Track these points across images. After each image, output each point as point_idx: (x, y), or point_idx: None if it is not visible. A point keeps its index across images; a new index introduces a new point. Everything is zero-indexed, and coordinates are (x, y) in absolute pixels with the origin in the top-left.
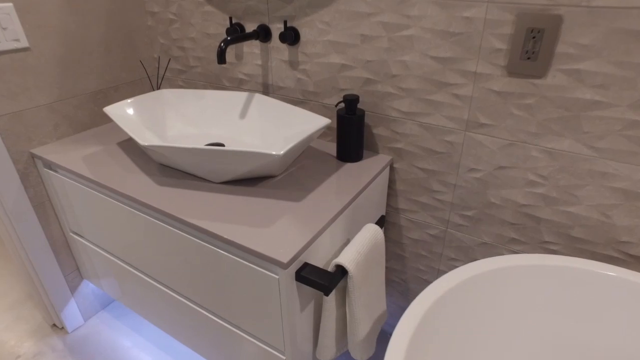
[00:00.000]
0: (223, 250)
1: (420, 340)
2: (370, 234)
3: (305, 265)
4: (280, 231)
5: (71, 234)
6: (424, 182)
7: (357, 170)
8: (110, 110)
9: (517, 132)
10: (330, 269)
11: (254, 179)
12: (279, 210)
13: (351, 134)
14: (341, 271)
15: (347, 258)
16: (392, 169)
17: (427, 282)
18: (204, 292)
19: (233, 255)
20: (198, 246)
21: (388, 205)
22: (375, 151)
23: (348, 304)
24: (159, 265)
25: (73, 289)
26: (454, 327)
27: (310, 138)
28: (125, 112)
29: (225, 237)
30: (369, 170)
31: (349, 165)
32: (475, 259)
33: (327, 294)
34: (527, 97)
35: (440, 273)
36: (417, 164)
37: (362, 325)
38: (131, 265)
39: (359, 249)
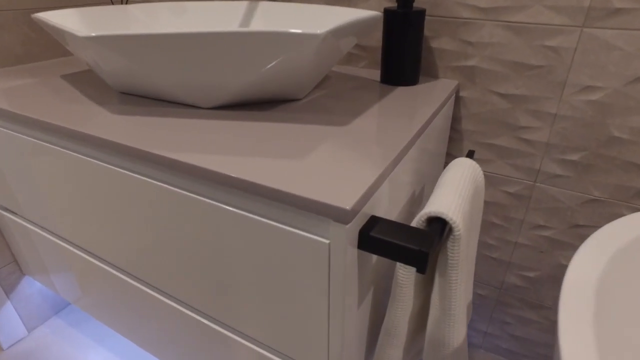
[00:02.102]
0: (231, 207)
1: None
2: (470, 171)
3: (374, 220)
4: (327, 166)
5: (0, 210)
6: (506, 115)
7: (415, 95)
8: (44, 16)
9: None
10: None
11: (261, 105)
12: (317, 137)
13: (405, 40)
14: (440, 228)
15: (448, 206)
16: (457, 100)
17: (496, 262)
18: (197, 285)
19: (247, 212)
20: (190, 204)
21: (448, 154)
22: (432, 75)
23: (441, 287)
24: (131, 248)
25: (9, 289)
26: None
27: (357, 26)
28: (67, 22)
29: (235, 176)
30: (432, 95)
31: (401, 89)
32: (577, 225)
33: (422, 270)
34: None
35: (517, 248)
36: (496, 88)
37: (460, 324)
38: (92, 254)
39: (461, 191)
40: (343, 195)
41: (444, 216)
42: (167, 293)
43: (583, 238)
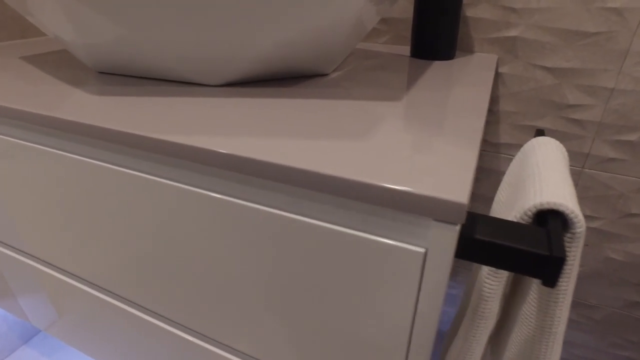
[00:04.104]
0: (281, 210)
1: None
2: (562, 154)
3: (474, 219)
4: (405, 149)
5: None
6: (552, 92)
7: (459, 69)
8: None
9: None
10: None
11: (281, 81)
12: (372, 115)
13: (442, 7)
14: (560, 225)
15: (563, 195)
16: (495, 77)
17: None
18: (219, 308)
19: (303, 216)
20: (216, 206)
21: (484, 141)
22: (466, 49)
23: (543, 298)
24: (125, 266)
25: None
26: None
27: None
28: None
29: (291, 165)
30: (477, 70)
31: (438, 64)
32: (629, 214)
33: (552, 282)
34: None
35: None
36: (542, 61)
37: (559, 343)
38: (70, 274)
39: (566, 177)
40: (446, 186)
41: (562, 208)
42: (170, 319)
43: (636, 228)
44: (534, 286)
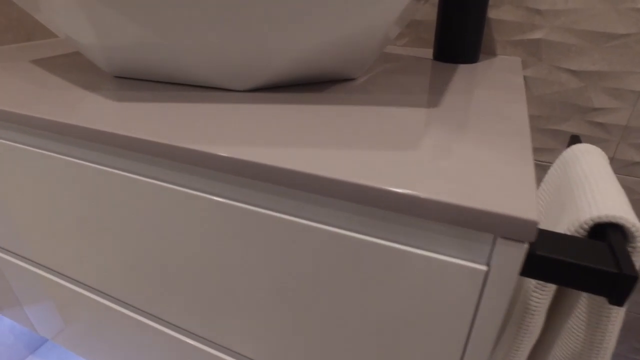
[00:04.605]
0: (328, 226)
1: None
2: (606, 161)
3: (541, 234)
4: (456, 160)
5: None
6: (577, 95)
7: (484, 73)
8: None
9: None
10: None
11: (309, 86)
12: (412, 122)
13: (468, 9)
14: (621, 239)
15: (620, 207)
16: None
17: None
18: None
19: (349, 231)
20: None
21: None
22: (488, 51)
23: (593, 312)
24: (131, 272)
25: None
26: None
27: None
28: None
29: (344, 179)
30: (505, 74)
31: (463, 68)
32: None
33: (621, 301)
34: None
35: None
36: (567, 64)
37: (609, 358)
38: (79, 282)
39: (618, 187)
40: (513, 202)
41: (623, 222)
42: (180, 327)
43: None
44: (583, 299)
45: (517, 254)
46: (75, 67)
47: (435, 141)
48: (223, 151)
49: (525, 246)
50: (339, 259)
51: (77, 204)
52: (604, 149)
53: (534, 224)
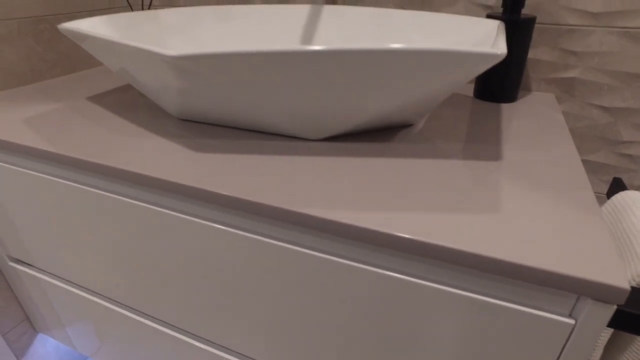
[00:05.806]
0: (418, 279)
1: None
2: None
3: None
4: (536, 221)
5: (11, 263)
6: (606, 129)
7: (528, 113)
8: (72, 25)
9: None
10: None
11: (373, 134)
12: (481, 179)
13: (511, 51)
14: None
15: None
16: None
17: None
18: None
19: (437, 284)
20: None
21: None
22: (525, 87)
23: None
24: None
25: (21, 352)
26: None
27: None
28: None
29: (435, 243)
30: (547, 113)
31: (507, 107)
32: None
33: None
34: None
35: None
36: (599, 101)
37: None
38: (122, 304)
39: None
40: (602, 269)
41: None
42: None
43: None
44: (637, 341)
45: (606, 313)
46: (134, 107)
47: (510, 199)
48: (339, 217)
49: (614, 307)
50: (452, 316)
51: (124, 236)
52: (629, 178)
53: (625, 291)
